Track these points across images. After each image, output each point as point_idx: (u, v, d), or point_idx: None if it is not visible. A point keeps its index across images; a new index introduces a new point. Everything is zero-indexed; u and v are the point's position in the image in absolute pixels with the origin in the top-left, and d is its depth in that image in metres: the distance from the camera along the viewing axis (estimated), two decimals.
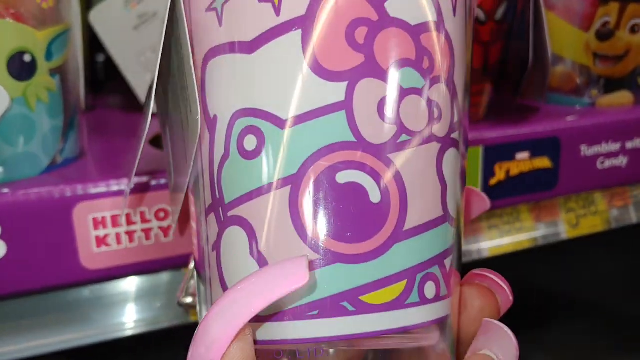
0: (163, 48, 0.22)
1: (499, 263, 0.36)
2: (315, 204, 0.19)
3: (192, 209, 0.23)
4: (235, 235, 0.20)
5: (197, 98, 0.20)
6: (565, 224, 0.44)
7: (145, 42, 0.42)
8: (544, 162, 0.39)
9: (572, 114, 0.42)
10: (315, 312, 0.19)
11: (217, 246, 0.21)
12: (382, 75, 0.19)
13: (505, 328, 0.24)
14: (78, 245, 0.30)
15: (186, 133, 0.22)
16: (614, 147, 0.41)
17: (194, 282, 0.28)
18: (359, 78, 0.18)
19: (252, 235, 0.19)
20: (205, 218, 0.21)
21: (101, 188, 0.30)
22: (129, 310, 0.34)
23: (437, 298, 0.20)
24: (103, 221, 0.30)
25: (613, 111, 0.42)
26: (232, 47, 0.19)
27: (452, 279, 0.21)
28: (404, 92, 0.19)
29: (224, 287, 0.20)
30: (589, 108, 0.43)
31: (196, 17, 0.20)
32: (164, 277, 0.34)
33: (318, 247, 0.19)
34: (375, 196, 0.19)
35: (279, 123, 0.19)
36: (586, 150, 0.40)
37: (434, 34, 0.19)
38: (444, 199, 0.20)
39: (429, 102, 0.19)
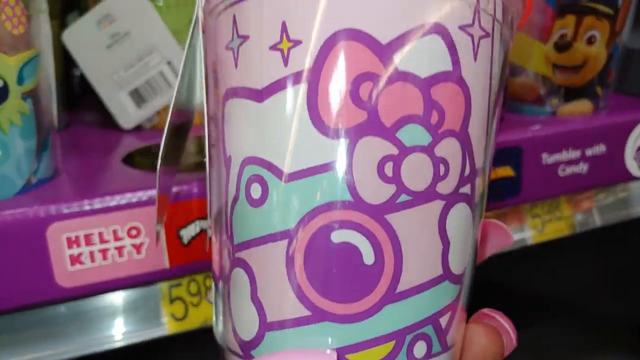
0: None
1: None
2: (309, 260, 0.19)
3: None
4: (241, 277, 0.20)
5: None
6: (531, 229, 0.46)
7: (117, 61, 0.43)
8: (506, 171, 0.40)
9: (534, 123, 0.43)
10: None
11: (227, 280, 0.21)
12: (384, 133, 0.18)
13: (501, 224, 0.26)
14: (52, 264, 0.31)
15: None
16: (574, 154, 0.42)
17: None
18: (360, 136, 0.18)
19: (253, 281, 0.20)
20: (221, 249, 0.22)
21: (74, 208, 0.31)
22: (105, 325, 0.35)
23: (428, 356, 0.20)
24: (77, 240, 0.31)
25: (572, 120, 0.44)
26: (244, 92, 0.20)
27: (451, 332, 0.21)
28: (406, 151, 0.18)
29: (231, 320, 0.21)
30: (550, 117, 0.45)
31: (219, 52, 0.21)
32: (138, 292, 0.35)
33: (309, 302, 0.19)
34: (369, 258, 0.19)
35: (281, 176, 0.19)
36: (547, 159, 0.42)
37: (448, 84, 0.19)
38: (445, 258, 0.20)
39: (435, 159, 0.19)
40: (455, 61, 0.19)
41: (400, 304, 0.19)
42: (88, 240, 0.31)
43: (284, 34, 0.19)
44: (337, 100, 0.18)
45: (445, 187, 0.19)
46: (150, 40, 0.43)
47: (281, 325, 0.19)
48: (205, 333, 0.37)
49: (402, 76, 0.18)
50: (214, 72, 0.21)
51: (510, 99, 0.46)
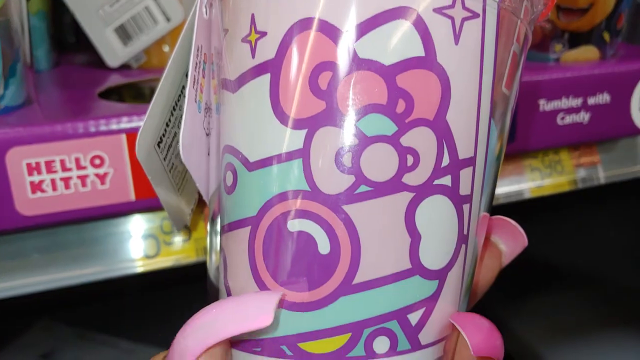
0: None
1: None
2: (267, 248, 0.19)
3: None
4: (220, 260, 0.21)
5: (185, 122, 0.21)
6: (529, 181, 0.44)
7: None
8: None
9: (533, 68, 0.41)
10: (258, 349, 0.19)
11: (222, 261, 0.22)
12: (342, 123, 0.18)
13: (515, 224, 0.25)
14: (12, 190, 0.30)
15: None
16: (575, 102, 0.40)
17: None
18: (318, 126, 0.18)
19: (224, 266, 0.21)
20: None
21: (34, 132, 0.30)
22: (73, 258, 0.34)
23: (393, 353, 0.19)
24: (37, 166, 0.30)
25: (574, 66, 0.41)
26: (224, 84, 0.20)
27: (426, 330, 0.20)
28: (367, 141, 0.18)
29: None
30: (552, 63, 0.43)
31: (215, 44, 0.21)
32: (104, 225, 0.34)
33: (265, 289, 0.19)
34: (324, 247, 0.18)
35: (247, 164, 0.19)
36: (545, 105, 0.39)
37: (419, 71, 0.18)
38: (414, 252, 0.19)
39: (401, 149, 0.18)
40: (429, 46, 0.18)
41: (357, 295, 0.18)
42: (49, 167, 0.30)
43: (253, 26, 0.19)
44: (296, 90, 0.18)
45: (415, 178, 0.18)
46: None
47: None
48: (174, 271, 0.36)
49: (363, 64, 0.18)
50: (211, 64, 0.22)
51: None
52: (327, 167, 0.18)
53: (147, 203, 0.33)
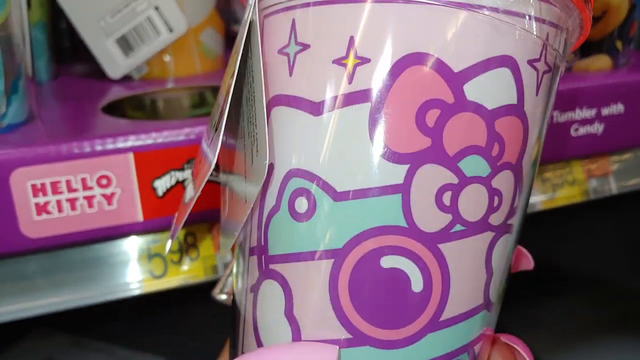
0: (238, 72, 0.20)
1: None
2: (355, 283, 0.18)
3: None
4: (273, 290, 0.20)
5: (267, 142, 0.19)
6: (540, 194, 0.43)
7: (104, 6, 0.41)
8: None
9: None
10: None
11: (255, 290, 0.20)
12: (446, 162, 0.18)
13: (522, 249, 0.26)
14: (17, 212, 0.29)
15: (249, 173, 0.20)
16: (589, 113, 0.39)
17: (230, 281, 0.27)
18: (422, 163, 0.18)
19: (289, 296, 0.19)
20: (248, 254, 0.21)
21: (39, 153, 0.29)
22: (76, 280, 0.33)
23: None
24: (42, 187, 0.29)
25: (588, 76, 0.41)
26: (297, 103, 0.19)
27: (480, 356, 0.21)
28: (466, 181, 0.18)
29: (256, 331, 0.20)
30: (564, 73, 0.42)
31: (268, 55, 0.20)
32: (109, 246, 0.33)
33: (351, 325, 0.18)
34: (417, 285, 0.18)
35: (333, 194, 0.18)
36: (559, 117, 0.39)
37: (511, 118, 0.19)
38: (487, 288, 0.20)
39: (492, 191, 0.19)
40: (521, 95, 0.19)
41: (442, 332, 0.19)
42: (55, 188, 0.29)
43: (351, 50, 0.18)
44: (401, 124, 0.18)
45: (497, 218, 0.19)
46: None
47: None
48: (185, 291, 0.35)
49: (470, 106, 0.18)
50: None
51: None
52: (427, 205, 0.18)
53: (154, 223, 0.32)
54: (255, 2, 0.20)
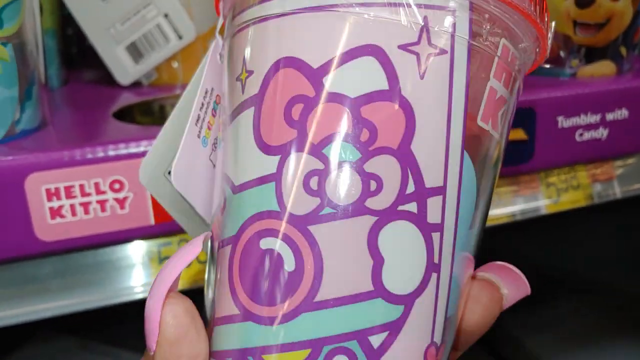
0: None
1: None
2: (242, 264, 0.20)
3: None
4: (210, 272, 0.22)
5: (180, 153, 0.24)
6: (545, 198, 0.43)
7: (114, 14, 0.42)
8: (518, 134, 0.38)
9: (551, 84, 0.40)
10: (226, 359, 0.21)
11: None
12: (311, 150, 0.19)
13: (517, 271, 0.25)
14: (32, 216, 0.30)
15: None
16: (593, 118, 0.40)
17: None
18: (289, 152, 0.19)
19: (215, 279, 0.22)
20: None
21: (54, 158, 0.29)
22: (89, 282, 0.34)
23: None
24: (56, 192, 0.30)
25: (592, 82, 0.41)
26: (224, 121, 0.22)
27: (391, 355, 0.20)
28: (331, 166, 0.19)
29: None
30: (568, 79, 0.42)
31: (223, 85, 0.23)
32: (121, 249, 0.33)
33: (239, 302, 0.20)
34: (290, 264, 0.19)
35: (233, 188, 0.21)
36: (563, 122, 0.39)
37: (383, 103, 0.19)
38: (377, 275, 0.19)
39: (365, 175, 0.19)
40: (393, 80, 0.19)
41: (318, 313, 0.19)
42: (68, 192, 0.30)
43: (244, 66, 0.21)
44: (273, 121, 0.20)
45: (378, 203, 0.19)
46: None
47: (220, 321, 0.21)
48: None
49: (330, 97, 0.19)
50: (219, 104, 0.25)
51: None
52: (296, 190, 0.19)
53: (166, 227, 0.32)
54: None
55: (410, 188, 0.19)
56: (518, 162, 0.39)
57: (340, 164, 0.19)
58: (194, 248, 0.21)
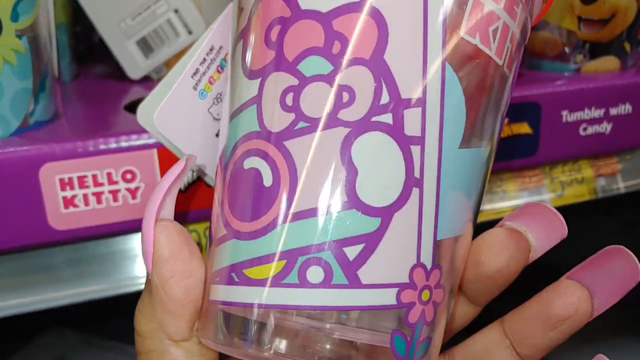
0: None
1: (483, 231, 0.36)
2: (231, 185, 0.21)
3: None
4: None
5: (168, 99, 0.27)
6: (549, 192, 0.44)
7: (124, 9, 0.42)
8: (523, 128, 0.38)
9: (555, 79, 0.41)
10: (217, 279, 0.21)
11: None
12: (286, 67, 0.20)
13: (554, 210, 0.24)
14: (45, 205, 0.30)
15: None
16: (597, 113, 0.40)
17: None
18: (268, 73, 0.20)
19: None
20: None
21: (67, 149, 0.30)
22: (101, 271, 0.34)
23: (327, 285, 0.19)
24: (70, 182, 0.30)
25: (596, 77, 0.41)
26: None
27: (368, 268, 0.20)
28: (305, 81, 0.20)
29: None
30: (573, 74, 0.43)
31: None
32: (132, 239, 0.34)
33: (227, 223, 0.21)
34: (267, 180, 0.20)
35: (230, 115, 0.22)
36: (568, 116, 0.39)
37: (354, 15, 0.19)
38: (351, 185, 0.19)
39: (338, 87, 0.19)
40: None
41: (293, 224, 0.20)
42: (81, 182, 0.31)
43: (238, 4, 0.22)
44: (256, 46, 0.21)
45: (350, 114, 0.19)
46: None
47: (215, 243, 0.22)
48: None
49: (304, 14, 0.20)
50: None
51: (531, 55, 0.44)
52: (274, 108, 0.20)
53: (177, 217, 0.33)
54: None
55: (385, 99, 0.19)
56: (523, 155, 0.39)
57: (312, 77, 0.19)
58: (177, 166, 0.22)
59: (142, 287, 0.35)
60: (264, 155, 0.20)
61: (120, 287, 0.35)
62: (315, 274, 0.19)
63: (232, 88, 0.22)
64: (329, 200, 0.19)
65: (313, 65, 0.19)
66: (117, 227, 0.32)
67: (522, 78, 0.41)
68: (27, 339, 0.64)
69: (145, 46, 0.43)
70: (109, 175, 0.31)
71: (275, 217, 0.20)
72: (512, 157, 0.39)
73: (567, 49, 0.42)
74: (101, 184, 0.31)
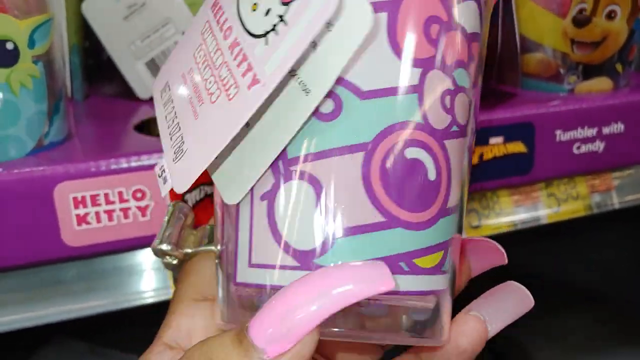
0: None
1: None
2: (385, 172, 0.21)
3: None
4: (299, 189, 0.21)
5: None
6: (546, 208, 0.45)
7: (134, 31, 0.44)
8: (518, 147, 0.40)
9: (549, 100, 0.42)
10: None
11: (270, 196, 0.21)
12: (446, 69, 0.21)
13: (493, 243, 0.27)
14: (59, 223, 0.32)
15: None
16: (590, 132, 0.42)
17: (170, 231, 0.27)
18: (430, 68, 0.21)
19: (319, 191, 0.20)
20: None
21: (80, 169, 0.32)
22: (110, 285, 0.36)
23: (453, 269, 0.23)
24: (83, 200, 0.32)
25: (589, 97, 0.43)
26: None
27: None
28: (458, 89, 0.21)
29: (275, 234, 0.21)
30: (567, 94, 0.44)
31: None
32: (142, 254, 0.35)
33: (384, 210, 0.21)
34: (432, 174, 0.21)
35: (358, 93, 0.20)
36: (562, 136, 0.41)
37: (478, 44, 0.22)
38: (462, 189, 0.23)
39: (470, 101, 0.22)
40: (482, 24, 0.22)
41: (448, 218, 0.22)
42: (94, 200, 0.32)
43: None
44: (412, 34, 0.20)
45: (470, 127, 0.23)
46: (165, 12, 0.43)
47: (355, 230, 0.20)
48: None
49: (456, 27, 0.21)
50: None
51: (526, 76, 0.45)
52: (436, 105, 0.21)
53: None
54: None
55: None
56: (518, 173, 0.41)
57: (461, 89, 0.22)
58: (385, 283, 0.19)
59: (148, 301, 0.37)
60: (428, 149, 0.21)
61: (128, 300, 0.36)
62: (450, 262, 0.23)
63: (356, 59, 0.20)
64: (458, 200, 0.22)
65: (462, 77, 0.22)
66: (127, 243, 0.33)
67: (517, 98, 0.43)
68: (32, 349, 0.65)
69: (154, 67, 0.45)
70: (120, 194, 0.32)
71: (438, 210, 0.21)
72: (506, 175, 0.40)
73: (561, 70, 0.44)
74: (112, 202, 0.32)
